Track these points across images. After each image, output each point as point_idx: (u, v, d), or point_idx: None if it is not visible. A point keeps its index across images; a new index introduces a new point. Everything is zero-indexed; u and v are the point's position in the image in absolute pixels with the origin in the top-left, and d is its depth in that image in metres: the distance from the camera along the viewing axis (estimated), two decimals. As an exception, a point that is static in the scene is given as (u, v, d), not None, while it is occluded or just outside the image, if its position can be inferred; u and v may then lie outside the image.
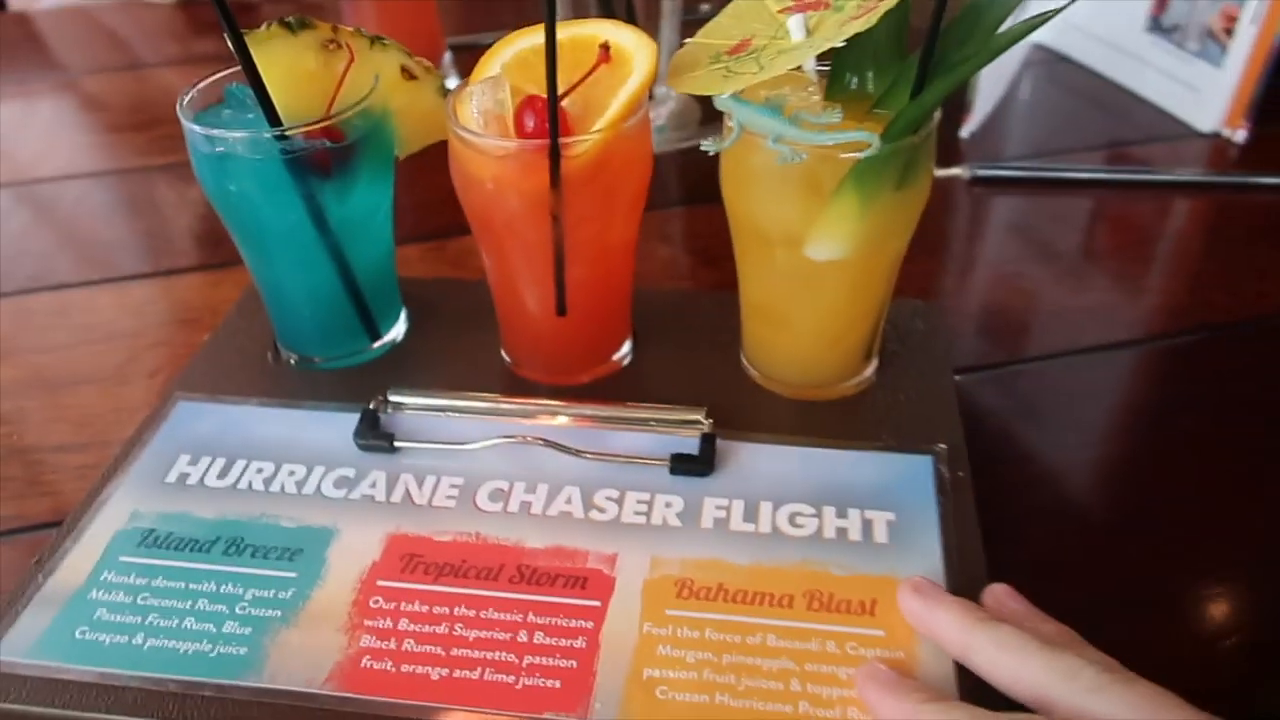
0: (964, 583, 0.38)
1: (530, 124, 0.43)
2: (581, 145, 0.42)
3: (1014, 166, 0.72)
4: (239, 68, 0.43)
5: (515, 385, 0.50)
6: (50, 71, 0.91)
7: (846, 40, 0.38)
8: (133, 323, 0.57)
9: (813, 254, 0.42)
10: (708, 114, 0.78)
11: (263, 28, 0.43)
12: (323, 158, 0.44)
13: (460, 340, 0.52)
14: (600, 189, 0.43)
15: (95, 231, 0.67)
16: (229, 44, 0.42)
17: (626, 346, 0.51)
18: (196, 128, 0.43)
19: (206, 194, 0.46)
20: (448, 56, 0.83)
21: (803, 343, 0.47)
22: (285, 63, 0.44)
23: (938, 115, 0.41)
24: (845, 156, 0.39)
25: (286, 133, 0.43)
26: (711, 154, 0.42)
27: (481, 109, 0.43)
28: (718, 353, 0.51)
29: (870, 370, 0.49)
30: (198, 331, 0.56)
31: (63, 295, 0.60)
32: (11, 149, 0.78)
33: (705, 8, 0.85)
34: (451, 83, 0.82)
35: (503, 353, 0.51)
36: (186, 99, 0.45)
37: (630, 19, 0.71)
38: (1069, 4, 0.39)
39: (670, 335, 0.52)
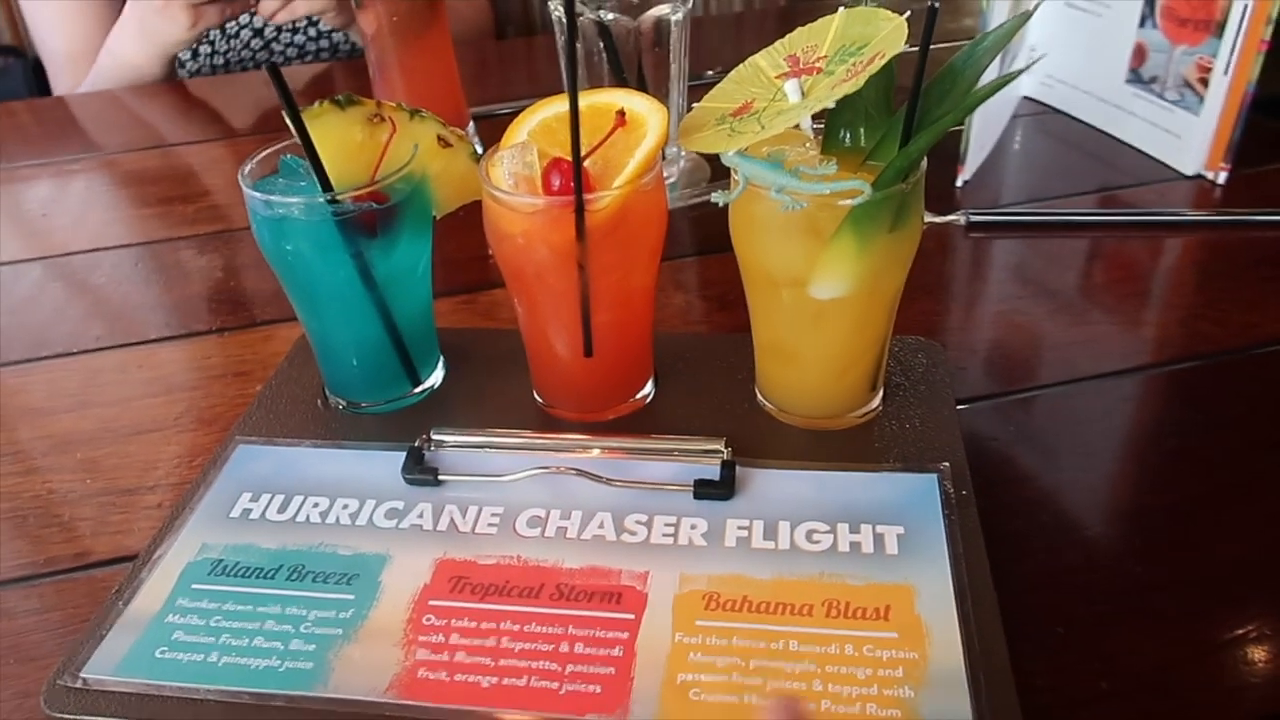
0: (973, 589, 0.41)
1: (556, 183, 0.47)
2: (603, 200, 0.46)
3: (1008, 211, 0.76)
4: (292, 141, 0.48)
5: (547, 423, 0.53)
6: (93, 151, 0.98)
7: (837, 101, 0.43)
8: (190, 376, 0.62)
9: (816, 293, 0.46)
10: (717, 172, 0.83)
11: (315, 105, 0.48)
12: (369, 219, 0.49)
13: (494, 383, 0.56)
14: (621, 240, 0.48)
15: (154, 296, 0.71)
16: (287, 120, 0.47)
17: (649, 385, 0.55)
18: (257, 195, 0.48)
19: (264, 253, 0.50)
20: (471, 125, 0.88)
21: (812, 376, 0.51)
22: (336, 135, 0.49)
23: (924, 164, 0.46)
24: (842, 204, 0.44)
25: (338, 197, 0.48)
26: (720, 206, 0.46)
27: (512, 171, 0.48)
28: (734, 389, 0.55)
29: (876, 401, 0.52)
30: (251, 383, 0.60)
31: (125, 353, 0.64)
32: (75, 222, 0.83)
33: (711, 74, 0.90)
34: (479, 148, 0.88)
35: (534, 393, 0.55)
36: (246, 169, 0.50)
37: (642, 86, 0.76)
38: (1033, 64, 0.43)
39: (689, 374, 0.56)
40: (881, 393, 0.53)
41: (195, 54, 1.17)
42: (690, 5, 0.77)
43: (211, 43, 1.17)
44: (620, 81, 0.76)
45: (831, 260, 0.45)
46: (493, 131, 0.89)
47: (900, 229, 0.46)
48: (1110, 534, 0.47)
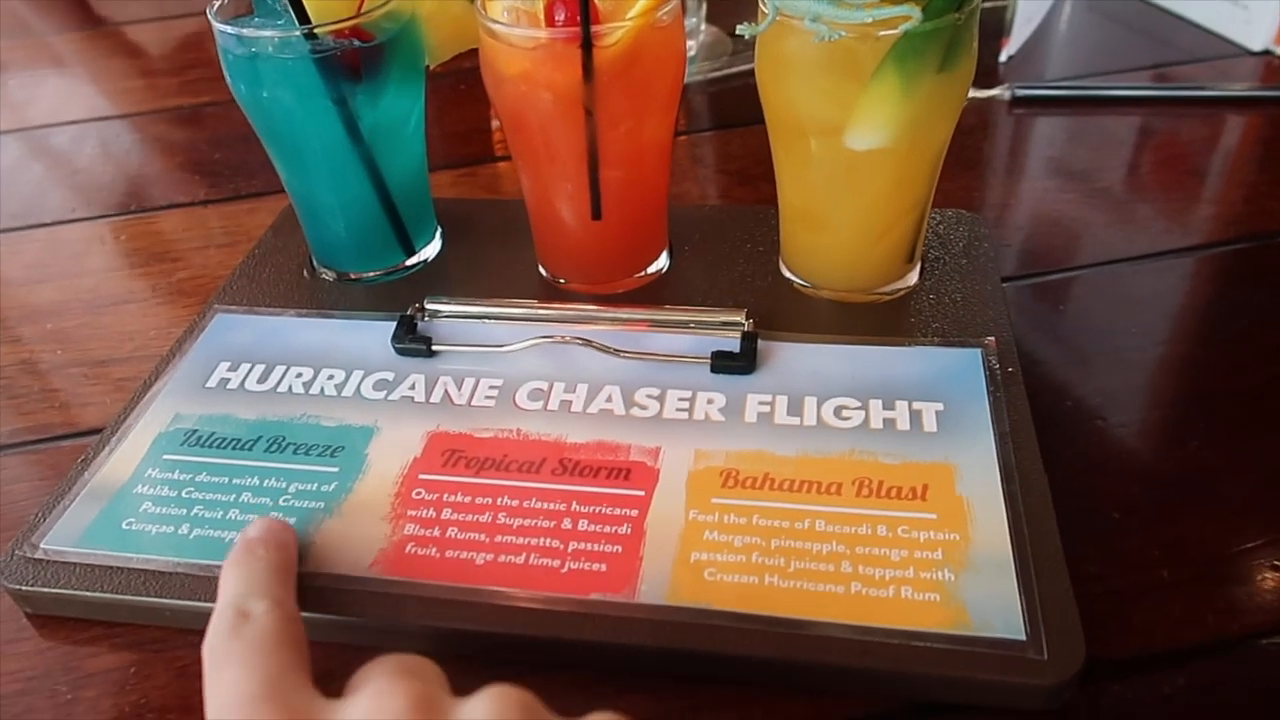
0: (1021, 470, 0.37)
1: (561, 16, 0.42)
2: (613, 35, 0.41)
3: (1057, 85, 0.70)
4: None
5: (553, 296, 0.49)
6: (80, 27, 0.92)
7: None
8: (171, 249, 0.57)
9: (852, 143, 0.41)
10: (738, 45, 0.77)
11: (292, -72, 0.43)
12: (352, 59, 0.44)
13: (495, 254, 0.52)
14: (633, 83, 0.43)
15: (135, 168, 0.67)
16: (260, -57, 0.42)
17: (663, 257, 0.50)
18: (228, 29, 0.43)
19: (240, 103, 0.46)
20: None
21: (844, 243, 0.46)
22: (315, -35, 0.44)
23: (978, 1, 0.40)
24: (885, 34, 0.38)
25: (315, 30, 0.42)
26: (747, 38, 0.41)
27: (510, 5, 0.43)
28: (756, 262, 0.50)
29: (913, 275, 0.48)
30: (235, 255, 0.56)
31: (103, 225, 0.60)
32: (48, 94, 0.78)
33: None
34: None
35: (539, 265, 0.50)
36: (216, 6, 0.45)
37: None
38: None
39: (706, 247, 0.51)
40: (919, 266, 0.48)
41: None
42: None
43: None
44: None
45: (871, 103, 0.40)
46: None
47: (950, 69, 0.40)
48: (1170, 417, 0.43)
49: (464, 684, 0.27)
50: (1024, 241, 0.55)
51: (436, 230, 0.53)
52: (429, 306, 0.47)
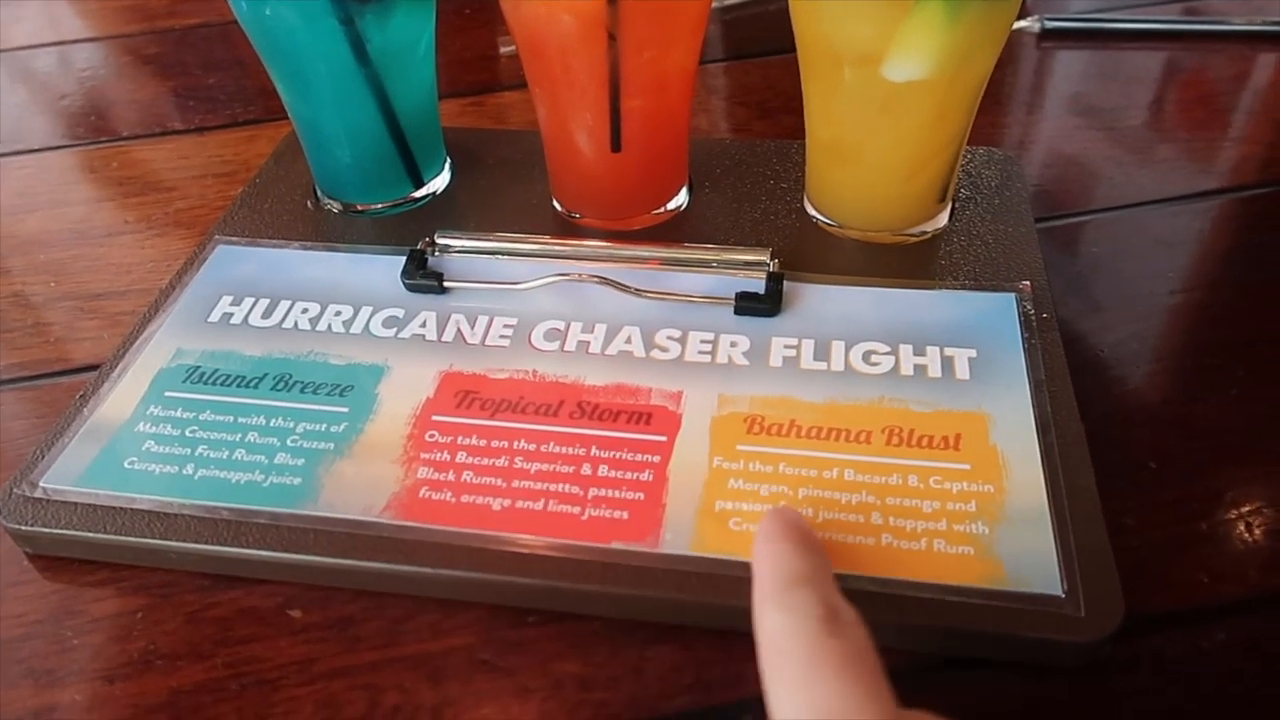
0: (1057, 419, 0.36)
1: (585, -67, 0.39)
2: (642, -47, 0.38)
3: (1088, 18, 0.67)
4: None
5: (567, 231, 0.47)
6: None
7: None
8: (167, 177, 0.55)
9: (891, 74, 0.39)
10: (757, -29, 0.73)
11: None
12: (360, -25, 0.41)
13: (508, 187, 0.50)
14: (659, 6, 0.40)
15: (126, 92, 0.64)
16: None
17: (683, 193, 0.48)
18: (226, -58, 0.40)
19: (240, 21, 0.43)
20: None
21: (874, 179, 0.44)
22: None
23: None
24: (933, -43, 0.36)
25: (322, -55, 0.40)
26: (785, -41, 0.39)
27: (531, -80, 0.40)
28: (780, 199, 0.48)
29: (944, 215, 0.46)
30: (233, 185, 0.54)
31: (94, 151, 0.58)
32: (32, 14, 0.75)
33: None
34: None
35: (554, 199, 0.48)
36: (214, -85, 0.42)
37: None
38: None
39: (729, 183, 0.49)
40: (950, 206, 0.46)
41: None
42: None
43: None
44: None
45: (913, 31, 0.38)
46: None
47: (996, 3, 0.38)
48: (1210, 364, 0.41)
49: (498, 635, 0.26)
50: (1052, 181, 0.53)
51: (445, 161, 0.51)
52: (440, 241, 0.45)
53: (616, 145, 0.44)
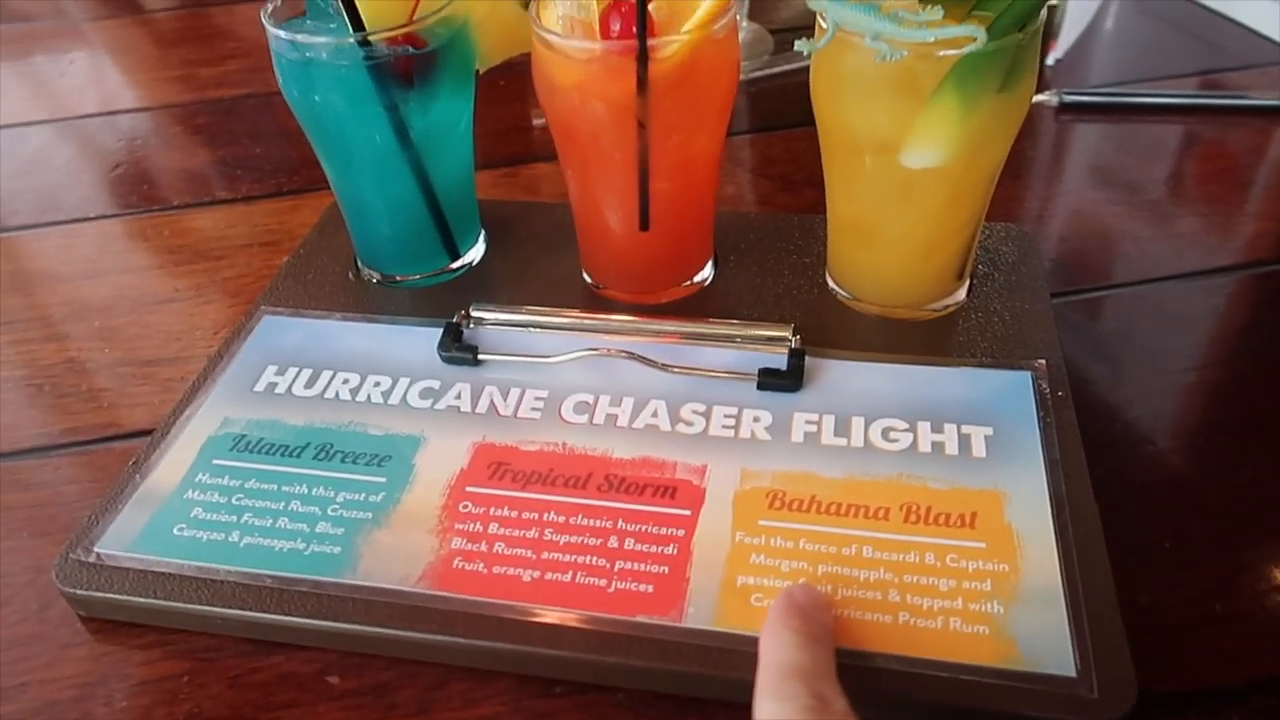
0: (1072, 498, 0.37)
1: (616, 27, 0.41)
2: (670, 47, 0.40)
3: (1104, 92, 0.69)
4: None
5: (596, 304, 0.49)
6: (118, 14, 0.92)
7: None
8: (214, 245, 0.58)
9: (908, 161, 0.41)
10: (780, 43, 0.76)
11: (347, -68, 0.43)
12: (405, 65, 0.44)
13: (539, 260, 0.52)
14: (687, 95, 0.42)
15: (176, 161, 0.67)
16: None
17: (709, 267, 0.50)
18: (282, 33, 0.43)
19: (290, 104, 0.46)
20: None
21: (894, 259, 0.45)
22: (369, -32, 0.43)
23: (1043, 14, 0.39)
24: (946, 54, 0.38)
25: (370, 37, 0.42)
26: (806, 55, 0.41)
27: (565, 15, 0.43)
28: (802, 274, 0.50)
29: (962, 291, 0.47)
30: (278, 254, 0.56)
31: (146, 219, 0.61)
32: (88, 84, 0.79)
33: None
34: None
35: (583, 272, 0.50)
36: (270, 8, 0.45)
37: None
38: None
39: (752, 256, 0.51)
40: (968, 283, 0.47)
41: None
42: None
43: None
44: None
45: (929, 122, 0.39)
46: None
47: (1011, 90, 0.40)
48: (1223, 443, 0.42)
49: (526, 704, 0.27)
50: (1069, 255, 0.54)
51: (480, 234, 0.53)
52: (474, 314, 0.47)
53: (645, 224, 0.45)
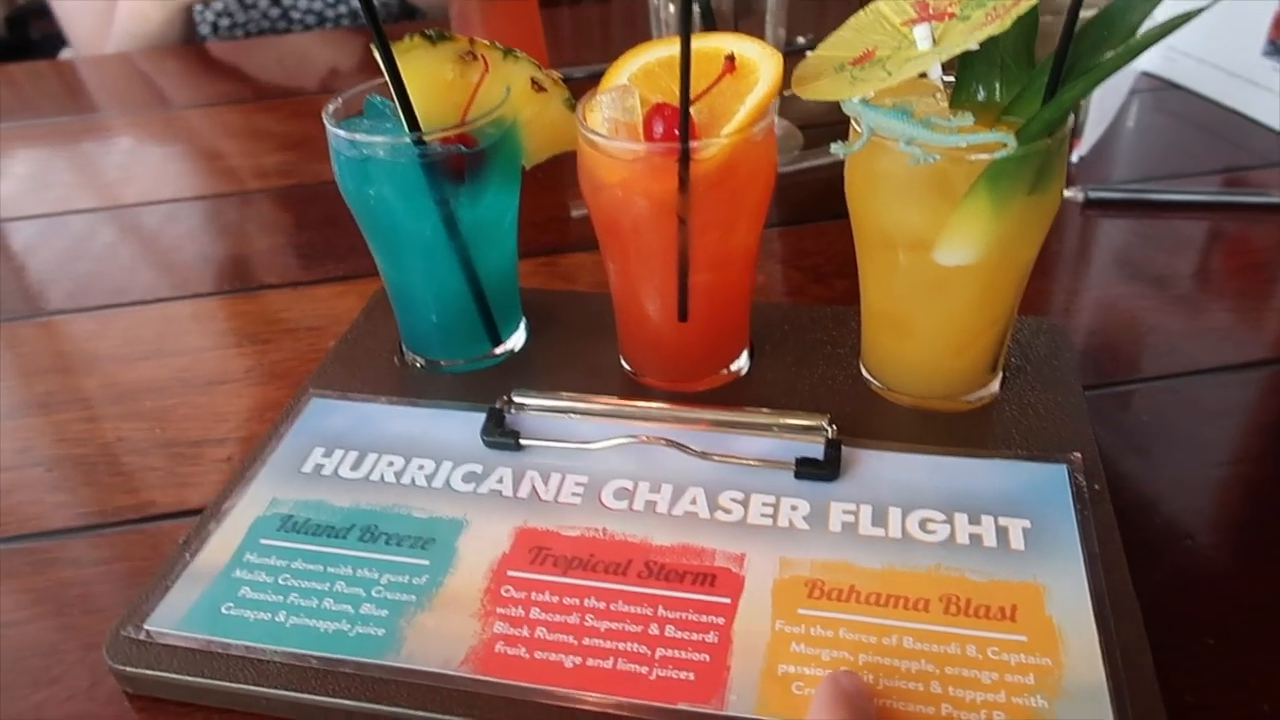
0: (1112, 593, 0.37)
1: (659, 130, 0.44)
2: (710, 149, 0.42)
3: (1130, 188, 0.70)
4: (379, 81, 0.46)
5: (634, 390, 0.50)
6: (163, 107, 0.97)
7: (979, 44, 0.39)
8: (262, 330, 0.60)
9: (941, 259, 0.42)
10: (810, 139, 0.78)
11: (406, 39, 0.46)
12: (457, 163, 0.46)
13: (579, 347, 0.53)
14: (727, 194, 0.44)
15: (225, 249, 0.70)
16: (376, 54, 0.44)
17: (744, 356, 0.51)
18: (341, 132, 0.46)
19: (345, 197, 0.48)
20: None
21: (928, 351, 0.46)
22: (425, 72, 0.46)
23: (1071, 120, 0.41)
24: (977, 158, 0.39)
25: (425, 138, 0.45)
26: (841, 158, 0.42)
27: (611, 116, 0.45)
28: (836, 364, 0.51)
29: (995, 384, 0.48)
30: (324, 338, 0.58)
31: (195, 304, 0.63)
32: (137, 174, 0.82)
33: (802, 40, 0.85)
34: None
35: (621, 359, 0.52)
36: (331, 108, 0.47)
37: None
38: (1213, 2, 0.38)
39: (787, 346, 0.52)
40: (1001, 375, 0.48)
41: (215, 28, 1.16)
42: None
43: (230, 14, 1.16)
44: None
45: (962, 223, 0.41)
46: (573, 93, 0.86)
47: (1040, 191, 0.41)
48: (1264, 538, 0.42)
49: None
50: (1100, 347, 0.55)
51: (521, 320, 0.55)
52: (516, 399, 0.48)
53: (684, 315, 0.47)
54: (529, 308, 0.55)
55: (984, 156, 0.39)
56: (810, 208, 0.70)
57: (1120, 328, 0.57)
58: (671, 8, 0.73)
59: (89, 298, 0.64)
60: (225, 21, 1.16)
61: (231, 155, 0.84)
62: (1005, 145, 0.38)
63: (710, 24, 0.72)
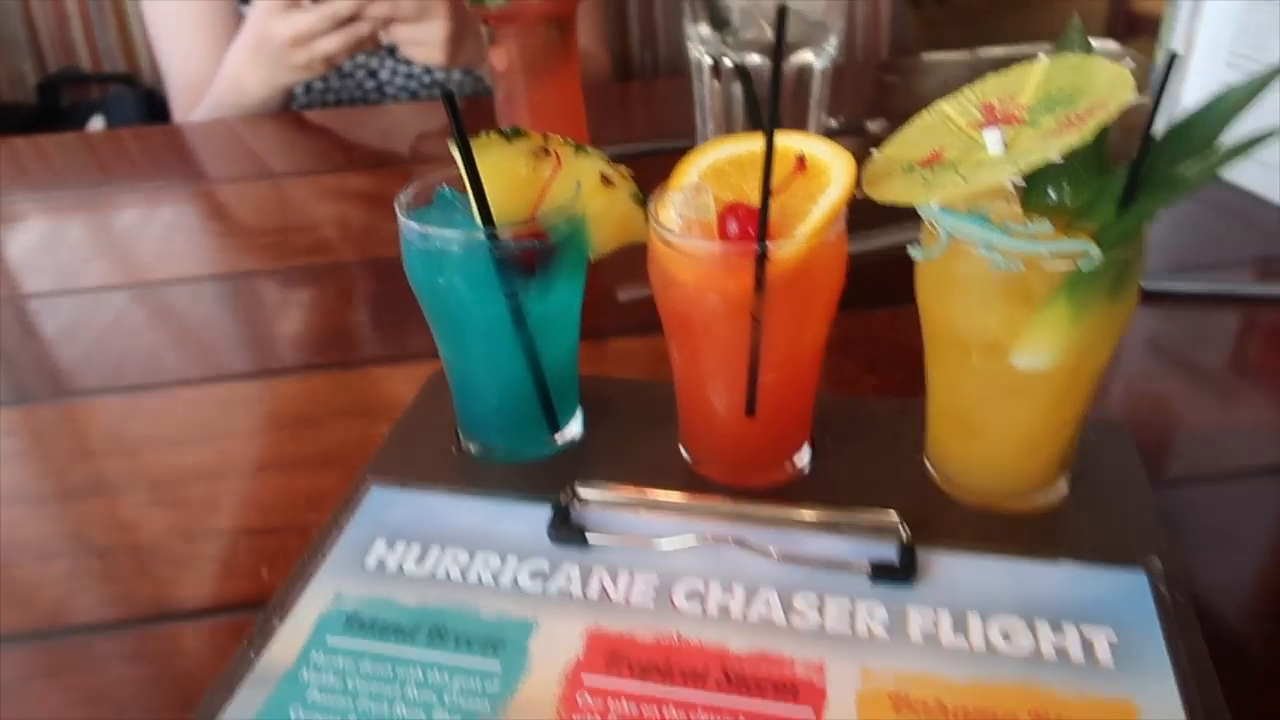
0: (1206, 710, 0.36)
1: (733, 229, 0.44)
2: (787, 249, 0.43)
3: (1170, 278, 0.71)
4: (447, 171, 0.47)
5: (695, 483, 0.50)
6: (201, 179, 0.98)
7: (1061, 156, 0.39)
8: (313, 413, 0.59)
9: (1018, 363, 0.42)
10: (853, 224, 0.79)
11: (482, 135, 0.46)
12: (528, 257, 0.46)
13: (638, 436, 0.53)
14: (801, 293, 0.44)
15: (270, 326, 0.70)
16: (453, 150, 0.45)
17: (806, 450, 0.51)
18: (414, 225, 0.46)
19: (412, 284, 0.48)
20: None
21: (998, 452, 0.46)
22: (499, 167, 0.47)
23: (1148, 227, 0.41)
24: (1058, 267, 0.39)
25: (499, 234, 0.45)
26: (919, 261, 0.43)
27: (683, 214, 0.45)
28: (900, 459, 0.50)
29: (1064, 484, 0.48)
30: (376, 422, 0.57)
31: (245, 385, 0.62)
32: (157, 248, 0.82)
33: (873, 125, 0.87)
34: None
35: (681, 449, 0.51)
36: (403, 199, 0.47)
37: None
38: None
39: (849, 439, 0.52)
40: (1069, 475, 0.48)
41: (309, 88, 1.17)
42: (835, 53, 0.75)
43: (325, 79, 1.17)
44: (758, 124, 0.74)
45: (1041, 328, 0.41)
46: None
47: (1118, 297, 0.41)
48: (1347, 653, 0.41)
49: None
50: (1154, 443, 0.54)
51: (579, 408, 0.54)
52: (581, 493, 0.47)
53: (751, 410, 0.47)
54: (586, 394, 0.55)
55: (1063, 264, 0.39)
56: (861, 295, 0.70)
57: (1182, 426, 0.56)
58: (707, 84, 0.75)
59: (124, 377, 0.64)
60: (319, 84, 1.17)
61: (271, 232, 0.85)
62: (1088, 254, 0.38)
63: (753, 106, 0.73)
